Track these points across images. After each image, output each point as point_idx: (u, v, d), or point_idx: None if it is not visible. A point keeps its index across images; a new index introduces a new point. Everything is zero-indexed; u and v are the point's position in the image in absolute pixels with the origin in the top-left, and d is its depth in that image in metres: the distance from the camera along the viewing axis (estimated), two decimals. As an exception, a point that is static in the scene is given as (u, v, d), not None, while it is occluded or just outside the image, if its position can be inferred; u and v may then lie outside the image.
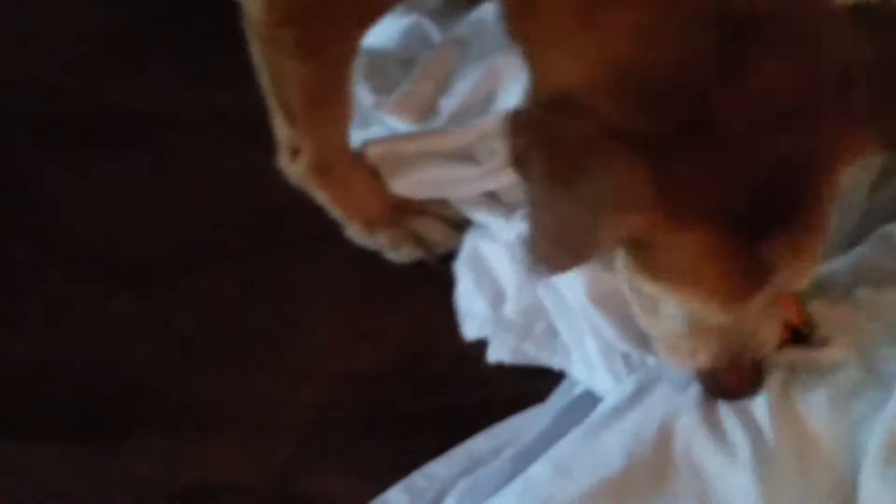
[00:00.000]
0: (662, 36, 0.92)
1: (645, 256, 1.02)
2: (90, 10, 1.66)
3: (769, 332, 1.14)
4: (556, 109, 0.96)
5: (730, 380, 1.16)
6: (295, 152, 1.35)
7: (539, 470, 1.19)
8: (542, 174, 0.95)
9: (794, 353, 1.20)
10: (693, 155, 0.92)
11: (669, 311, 1.10)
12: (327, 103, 1.29)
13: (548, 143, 0.94)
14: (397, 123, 1.44)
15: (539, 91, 1.02)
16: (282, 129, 1.33)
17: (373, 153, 1.40)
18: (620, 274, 1.11)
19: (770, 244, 0.95)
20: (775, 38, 0.92)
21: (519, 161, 0.97)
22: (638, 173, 0.90)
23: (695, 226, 0.95)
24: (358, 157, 1.40)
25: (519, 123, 0.97)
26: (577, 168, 0.92)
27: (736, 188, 0.94)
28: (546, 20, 0.99)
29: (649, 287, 1.05)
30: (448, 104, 1.42)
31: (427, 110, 1.43)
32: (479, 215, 1.42)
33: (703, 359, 1.14)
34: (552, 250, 1.00)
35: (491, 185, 1.42)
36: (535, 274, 1.15)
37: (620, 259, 1.08)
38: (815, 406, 1.15)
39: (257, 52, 1.24)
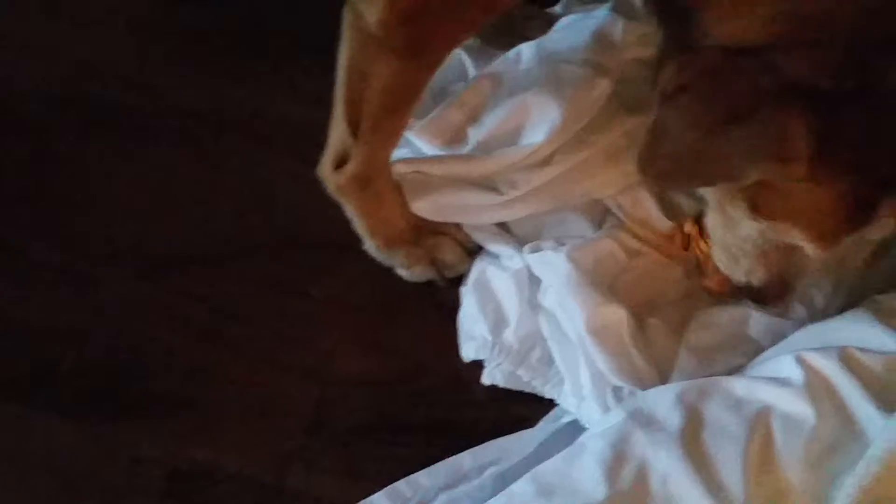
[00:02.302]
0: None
1: (762, 195, 1.09)
2: (152, 3, 1.70)
3: (809, 259, 1.22)
4: (735, 57, 1.00)
5: (769, 290, 1.26)
6: (341, 162, 1.35)
7: (521, 487, 1.18)
8: (701, 111, 1.00)
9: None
10: (858, 116, 0.98)
11: (748, 231, 1.18)
12: (401, 110, 1.29)
13: (720, 84, 1.00)
14: (425, 147, 1.44)
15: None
16: (338, 136, 1.33)
17: (398, 172, 1.40)
18: (711, 193, 1.20)
19: (890, 201, 1.03)
20: None
21: (674, 93, 1.02)
22: (804, 129, 0.97)
23: (833, 181, 1.02)
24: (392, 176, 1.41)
25: (692, 60, 1.02)
26: (745, 113, 0.97)
27: (886, 150, 1.01)
28: None
29: (737, 211, 1.14)
30: (476, 133, 1.42)
31: (455, 137, 1.43)
32: (491, 244, 1.42)
33: (758, 278, 1.24)
34: (676, 172, 1.07)
35: (506, 216, 1.42)
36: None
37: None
38: (792, 459, 1.13)
39: (355, 53, 1.24)
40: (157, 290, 1.45)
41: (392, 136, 1.33)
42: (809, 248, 1.13)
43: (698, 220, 1.36)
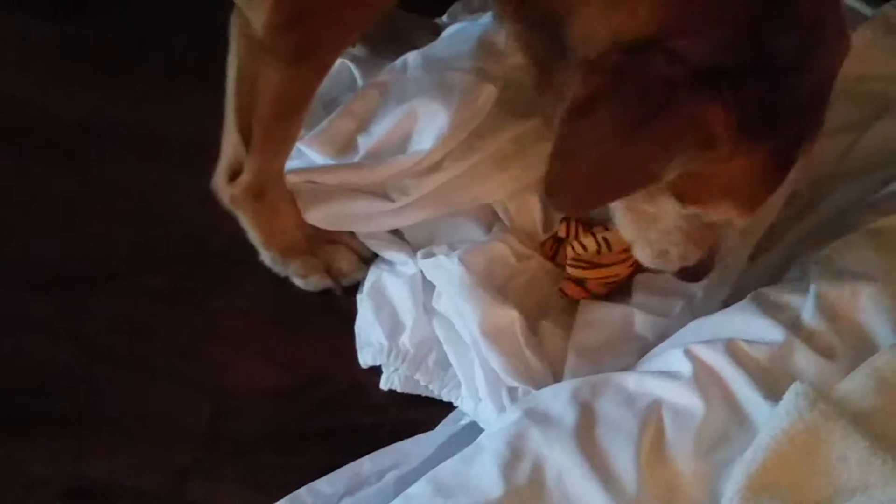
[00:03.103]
0: None
1: (688, 185, 1.09)
2: (42, 22, 1.67)
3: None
4: (635, 55, 0.99)
5: (701, 265, 1.26)
6: (235, 174, 1.34)
7: (419, 489, 1.17)
8: (614, 119, 0.99)
9: None
10: (764, 86, 0.99)
11: (669, 224, 1.19)
12: (292, 117, 1.28)
13: (626, 88, 0.98)
14: (316, 157, 1.43)
15: (596, 49, 1.03)
16: (231, 147, 1.32)
17: (291, 182, 1.39)
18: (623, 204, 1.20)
19: (802, 151, 1.06)
20: None
21: (582, 109, 1.00)
22: (721, 111, 0.97)
23: (755, 151, 1.03)
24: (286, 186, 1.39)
25: (593, 72, 1.00)
26: (658, 110, 0.96)
27: (796, 109, 1.03)
28: None
29: (659, 206, 1.15)
30: (366, 142, 1.42)
31: (345, 146, 1.43)
32: (385, 251, 1.43)
33: (691, 259, 1.24)
34: (592, 193, 1.06)
35: (399, 222, 1.42)
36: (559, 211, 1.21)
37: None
38: (682, 450, 1.15)
39: (244, 60, 1.24)
40: (48, 307, 1.42)
41: (284, 144, 1.33)
42: (737, 218, 1.14)
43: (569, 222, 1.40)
